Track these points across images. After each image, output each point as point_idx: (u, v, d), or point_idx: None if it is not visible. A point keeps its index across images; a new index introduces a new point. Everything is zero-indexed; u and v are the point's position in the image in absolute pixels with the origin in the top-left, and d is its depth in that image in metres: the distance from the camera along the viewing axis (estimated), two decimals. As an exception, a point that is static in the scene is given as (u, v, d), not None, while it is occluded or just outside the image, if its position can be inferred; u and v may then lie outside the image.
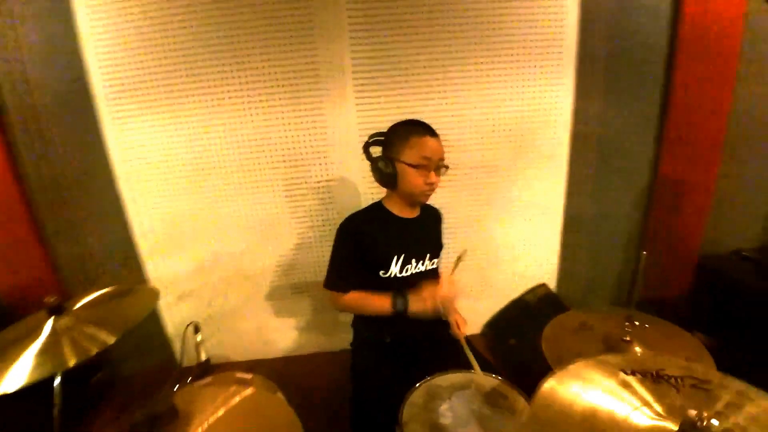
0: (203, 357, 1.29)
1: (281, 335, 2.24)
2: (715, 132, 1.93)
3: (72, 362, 0.94)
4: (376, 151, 1.32)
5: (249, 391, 0.87)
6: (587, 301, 2.28)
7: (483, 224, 2.08)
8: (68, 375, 2.04)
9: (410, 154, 1.20)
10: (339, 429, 1.29)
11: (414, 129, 1.23)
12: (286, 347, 2.27)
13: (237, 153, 1.89)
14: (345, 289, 1.26)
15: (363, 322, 1.36)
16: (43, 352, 0.96)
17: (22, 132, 1.82)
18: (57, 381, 1.00)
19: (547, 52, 1.85)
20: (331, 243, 2.03)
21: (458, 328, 1.30)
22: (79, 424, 1.90)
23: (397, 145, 1.22)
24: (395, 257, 1.24)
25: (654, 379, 0.67)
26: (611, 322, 1.08)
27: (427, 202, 1.39)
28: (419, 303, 1.20)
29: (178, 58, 1.76)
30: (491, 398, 1.15)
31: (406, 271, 1.27)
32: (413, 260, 1.28)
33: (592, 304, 2.28)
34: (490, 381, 1.23)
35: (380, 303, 1.22)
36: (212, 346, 2.20)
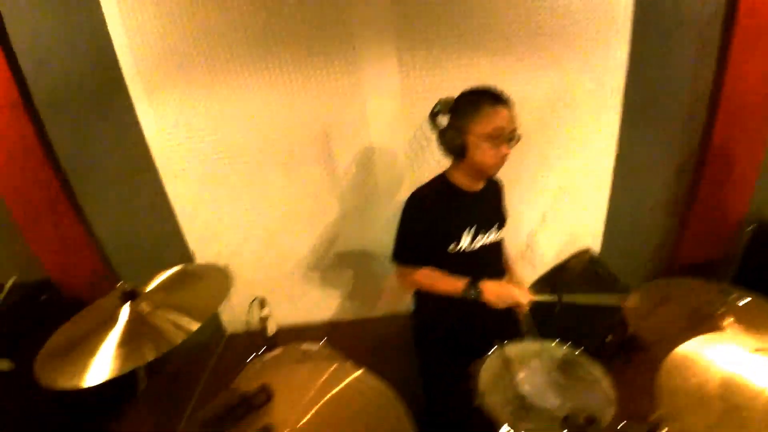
0: (271, 332, 1.30)
1: (324, 302, 2.27)
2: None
3: (155, 353, 0.90)
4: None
5: (357, 373, 0.86)
6: (631, 267, 2.25)
7: (524, 193, 2.04)
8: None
9: (481, 125, 1.12)
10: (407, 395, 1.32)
11: (485, 98, 1.14)
12: (328, 314, 2.31)
13: (275, 126, 1.83)
14: (416, 264, 1.24)
15: (427, 292, 1.34)
16: (125, 342, 0.93)
17: (53, 113, 1.78)
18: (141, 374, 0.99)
19: (602, 17, 1.70)
20: (373, 217, 2.08)
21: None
22: (134, 396, 1.98)
23: (467, 115, 1.14)
24: (465, 231, 1.21)
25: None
26: (695, 295, 1.05)
27: None
28: (492, 296, 1.18)
29: (211, 30, 1.66)
30: (565, 367, 1.16)
31: (476, 243, 1.24)
32: (481, 233, 1.25)
33: (636, 271, 2.25)
34: (560, 350, 1.23)
35: (453, 286, 1.20)
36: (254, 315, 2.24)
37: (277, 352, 1.33)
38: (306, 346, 1.36)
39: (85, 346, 0.96)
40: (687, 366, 0.66)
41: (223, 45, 1.68)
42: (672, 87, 1.85)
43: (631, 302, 1.08)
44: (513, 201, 1.97)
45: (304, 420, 0.77)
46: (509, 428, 0.96)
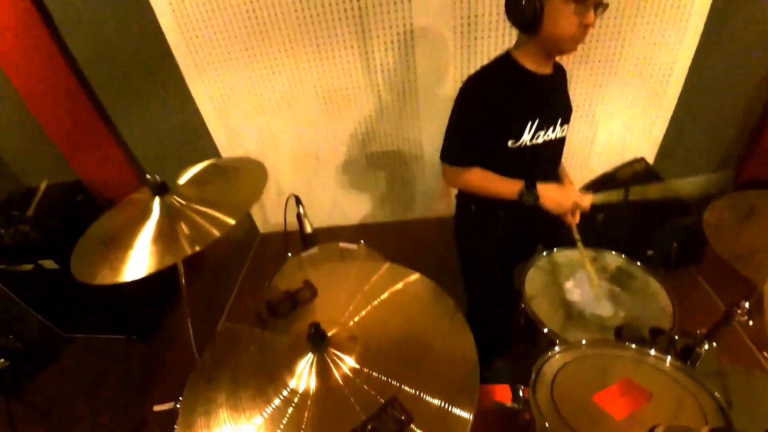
0: (309, 230, 1.26)
1: (355, 205, 2.23)
2: None
3: (192, 249, 0.84)
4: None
5: (413, 276, 0.80)
6: (687, 180, 2.06)
7: (582, 84, 1.77)
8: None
9: None
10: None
11: None
12: (360, 215, 2.28)
13: (299, 6, 1.57)
14: (469, 163, 1.10)
15: (473, 195, 1.24)
16: (161, 237, 0.87)
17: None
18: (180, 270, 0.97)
19: None
20: (412, 109, 1.89)
21: (572, 214, 1.18)
22: (175, 288, 2.10)
23: None
24: (529, 122, 1.04)
25: None
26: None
27: None
28: (551, 202, 1.07)
29: None
30: (619, 278, 1.09)
31: (537, 138, 1.08)
32: (545, 126, 1.08)
33: (692, 184, 2.07)
34: (613, 258, 1.16)
35: (507, 190, 1.08)
36: (290, 213, 2.24)
37: (314, 250, 1.30)
38: (344, 245, 1.33)
39: (120, 241, 0.92)
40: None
41: None
42: None
43: (713, 213, 0.95)
44: (573, 88, 1.76)
45: (356, 318, 0.73)
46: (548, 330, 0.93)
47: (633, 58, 1.68)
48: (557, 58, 1.10)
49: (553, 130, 1.10)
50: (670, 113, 1.84)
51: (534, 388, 0.66)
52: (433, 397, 0.59)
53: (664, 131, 1.90)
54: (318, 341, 0.69)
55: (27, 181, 1.88)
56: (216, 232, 0.89)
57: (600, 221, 1.94)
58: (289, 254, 1.34)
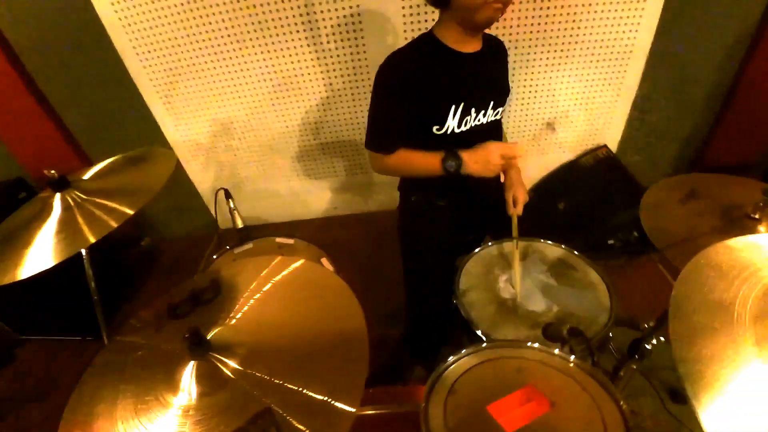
0: (239, 224, 1.20)
1: (315, 197, 2.16)
2: None
3: (92, 239, 0.83)
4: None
5: (298, 263, 0.76)
6: (647, 169, 2.02)
7: (536, 68, 1.70)
8: (117, 240, 2.14)
9: None
10: (388, 291, 1.26)
11: None
12: (321, 209, 2.22)
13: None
14: (390, 149, 1.02)
15: (411, 185, 1.17)
16: (61, 231, 0.87)
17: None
18: (84, 256, 0.91)
19: None
20: (364, 94, 1.79)
21: (513, 205, 1.11)
22: (131, 285, 2.04)
23: None
24: (453, 107, 0.96)
25: None
26: (728, 192, 0.86)
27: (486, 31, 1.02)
28: (475, 164, 0.98)
29: None
30: (557, 269, 1.04)
31: (465, 124, 1.00)
32: (473, 110, 1.00)
33: (651, 173, 2.02)
34: (554, 249, 1.10)
35: (429, 162, 0.99)
36: (248, 209, 2.17)
37: (248, 246, 1.24)
38: (280, 240, 1.27)
39: (19, 240, 0.87)
40: (711, 273, 0.51)
41: None
42: None
43: (649, 197, 0.90)
44: (525, 74, 1.71)
45: (238, 315, 0.68)
46: (482, 332, 0.88)
47: (590, 41, 1.62)
48: (498, 34, 1.02)
49: (484, 114, 1.03)
50: (631, 99, 1.79)
51: (428, 398, 0.61)
52: (316, 392, 0.56)
53: (625, 118, 1.85)
54: (195, 346, 0.64)
55: None
56: (113, 223, 0.86)
57: (561, 209, 1.90)
58: (222, 251, 1.27)
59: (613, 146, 1.94)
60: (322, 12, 1.53)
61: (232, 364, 0.62)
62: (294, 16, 1.54)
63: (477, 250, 1.10)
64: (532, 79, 1.73)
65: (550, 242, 1.12)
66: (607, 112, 1.84)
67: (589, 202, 1.83)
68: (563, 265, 1.05)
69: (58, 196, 0.90)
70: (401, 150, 1.03)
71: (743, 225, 0.79)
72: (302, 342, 0.65)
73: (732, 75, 1.72)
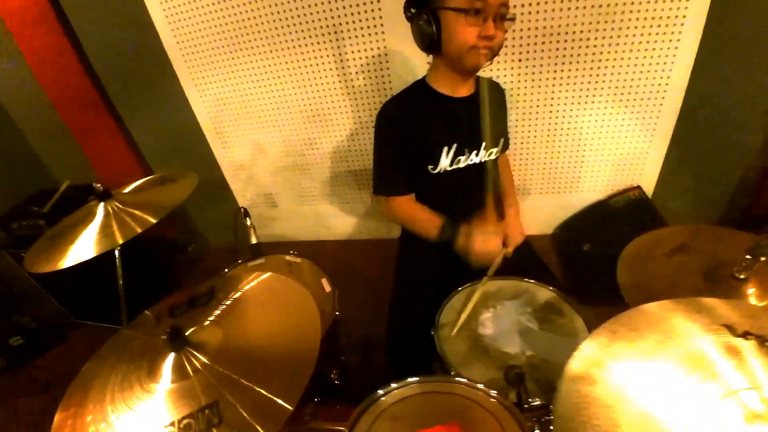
0: (253, 240, 1.33)
1: (340, 220, 2.28)
2: None
3: (120, 240, 0.99)
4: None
5: (266, 275, 0.86)
6: (689, 216, 1.88)
7: (560, 106, 1.69)
8: (167, 245, 2.41)
9: None
10: (377, 317, 1.30)
11: None
12: (345, 232, 2.33)
13: (281, 26, 1.67)
14: (398, 193, 1.10)
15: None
16: (100, 232, 1.05)
17: (82, 24, 1.80)
18: (117, 255, 1.08)
19: None
20: None
21: (504, 245, 1.13)
22: (175, 286, 2.26)
23: None
24: (445, 148, 1.02)
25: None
26: (728, 249, 0.80)
27: (485, 75, 1.07)
28: (464, 251, 1.05)
29: None
30: (542, 313, 1.02)
31: (458, 162, 1.05)
32: (467, 150, 1.05)
33: (694, 221, 1.87)
34: (546, 293, 1.09)
35: (429, 225, 1.08)
36: (279, 227, 2.35)
37: (260, 261, 1.36)
38: (289, 258, 1.37)
39: (66, 237, 1.06)
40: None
41: None
42: None
43: (633, 247, 0.87)
44: (549, 113, 1.71)
45: (211, 318, 0.79)
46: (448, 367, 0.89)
47: (617, 80, 1.59)
48: (493, 77, 1.07)
49: (477, 154, 1.07)
50: (667, 140, 1.70)
51: (354, 422, 0.65)
52: (264, 389, 0.65)
53: (661, 160, 1.76)
54: (174, 341, 0.74)
55: (59, 180, 2.13)
56: (138, 229, 1.03)
57: (586, 251, 1.83)
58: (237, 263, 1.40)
59: (648, 188, 1.84)
60: (353, 52, 1.68)
61: (202, 358, 0.72)
62: (328, 55, 1.70)
63: (467, 285, 1.12)
64: (556, 117, 1.72)
65: (545, 286, 1.10)
66: (641, 153, 1.77)
67: (615, 246, 1.74)
68: (550, 309, 1.03)
69: (102, 205, 1.09)
70: (408, 200, 1.10)
71: (728, 286, 0.74)
72: (261, 345, 0.74)
73: None
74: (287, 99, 1.86)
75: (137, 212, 1.05)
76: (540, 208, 2.00)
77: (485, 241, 1.02)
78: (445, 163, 1.03)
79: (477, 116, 1.06)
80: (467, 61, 0.94)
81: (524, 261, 1.16)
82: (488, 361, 0.92)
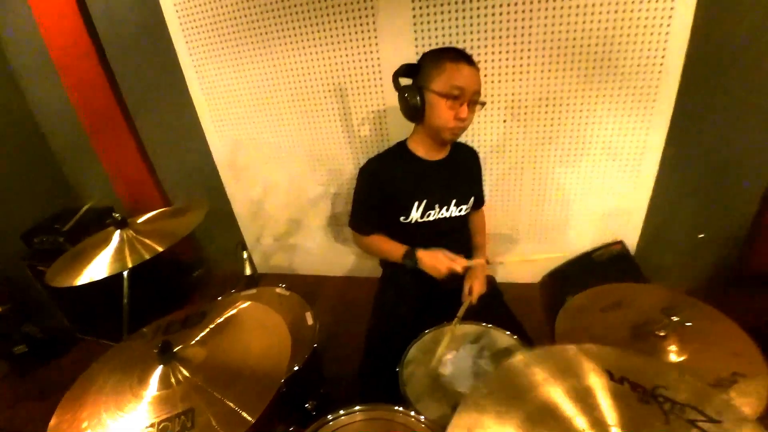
0: (248, 271, 1.46)
1: (340, 257, 2.40)
2: None
3: (130, 264, 1.14)
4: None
5: (247, 304, 0.98)
6: (673, 274, 1.94)
7: (547, 165, 1.83)
8: (177, 268, 2.56)
9: (441, 81, 1.05)
10: (358, 351, 1.39)
11: (448, 54, 1.06)
12: (344, 268, 2.44)
13: (294, 82, 1.89)
14: (366, 232, 1.26)
15: (387, 260, 1.36)
16: (113, 255, 1.19)
17: (116, 57, 2.06)
18: (125, 277, 1.22)
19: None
20: None
21: (469, 293, 1.23)
22: (179, 307, 2.38)
23: (428, 72, 1.08)
24: (416, 203, 1.17)
25: (644, 397, 0.55)
26: (654, 307, 0.90)
27: (462, 141, 1.24)
28: (426, 266, 1.16)
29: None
30: (499, 358, 1.11)
31: (428, 216, 1.19)
32: (437, 206, 1.19)
33: (678, 279, 1.94)
34: (506, 339, 1.17)
35: (394, 254, 1.21)
36: (281, 259, 2.48)
37: (252, 291, 1.48)
38: (279, 290, 1.49)
39: (84, 257, 1.21)
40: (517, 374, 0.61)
41: (255, 6, 1.76)
42: (756, 46, 1.45)
43: (575, 302, 0.97)
44: (537, 173, 1.86)
45: (197, 338, 0.90)
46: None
47: (598, 142, 1.73)
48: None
49: (447, 209, 1.21)
50: (647, 199, 1.81)
51: None
52: (232, 402, 0.75)
53: (643, 217, 1.85)
54: (163, 355, 0.87)
55: (83, 200, 2.33)
56: (146, 255, 1.16)
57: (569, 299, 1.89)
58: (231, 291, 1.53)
59: (632, 243, 1.93)
60: (355, 106, 1.88)
61: (185, 372, 0.83)
62: (334, 109, 1.90)
63: (434, 328, 1.21)
64: (543, 173, 1.85)
65: (505, 332, 1.19)
66: (624, 210, 1.87)
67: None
68: (507, 354, 1.11)
69: (117, 232, 1.24)
70: (375, 236, 1.24)
71: (651, 342, 0.83)
72: (236, 363, 0.85)
73: (763, 187, 1.68)
74: (296, 143, 2.05)
75: (147, 240, 1.20)
76: (529, 258, 2.09)
77: (443, 253, 1.14)
78: (415, 215, 1.18)
79: (448, 177, 1.22)
80: (443, 135, 1.13)
81: (492, 308, 1.26)
82: (443, 399, 1.00)
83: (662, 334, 0.81)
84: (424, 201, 1.17)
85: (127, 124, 2.18)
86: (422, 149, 1.19)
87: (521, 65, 1.62)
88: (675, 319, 0.78)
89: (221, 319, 0.96)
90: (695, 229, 1.86)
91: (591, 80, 1.61)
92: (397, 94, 1.15)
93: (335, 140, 1.99)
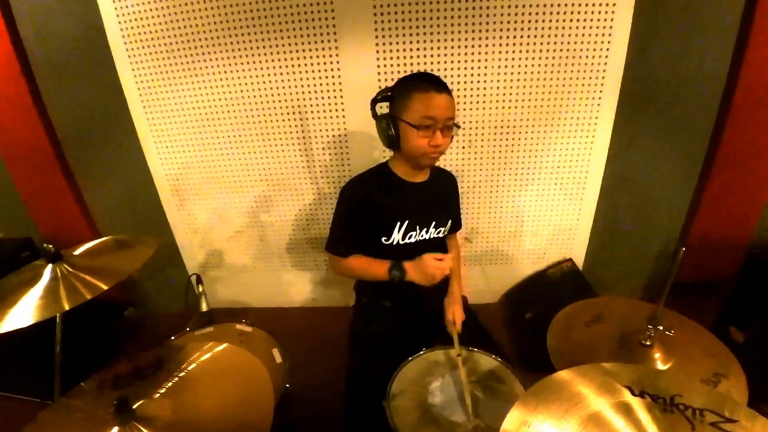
0: (204, 307, 1.32)
1: (297, 288, 2.27)
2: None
3: (67, 306, 0.96)
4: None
5: (222, 346, 0.87)
6: (618, 285, 2.11)
7: (502, 188, 1.93)
8: (103, 309, 2.24)
9: (412, 112, 1.06)
10: (331, 389, 1.29)
11: (417, 84, 1.07)
12: (302, 299, 2.31)
13: (249, 101, 1.81)
14: (345, 254, 1.20)
15: (363, 285, 1.31)
16: (44, 296, 1.00)
17: (47, 80, 1.84)
18: (58, 321, 1.03)
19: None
20: None
21: (453, 323, 1.22)
22: (109, 353, 2.08)
23: (400, 103, 1.08)
24: (398, 224, 1.15)
25: (666, 406, 0.56)
26: (635, 317, 0.94)
27: (440, 166, 1.26)
28: (416, 274, 1.13)
29: (194, 10, 1.65)
30: (486, 381, 1.09)
31: (410, 237, 1.18)
32: (417, 227, 1.18)
33: (623, 289, 2.10)
34: (489, 361, 1.16)
35: (378, 270, 1.16)
36: (232, 293, 2.29)
37: (209, 329, 1.33)
38: (240, 327, 1.36)
39: (7, 299, 1.00)
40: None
41: (206, 23, 1.67)
42: (678, 80, 1.68)
43: (560, 318, 0.99)
44: (493, 195, 1.93)
45: (162, 390, 0.77)
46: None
47: (547, 166, 1.86)
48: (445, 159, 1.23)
49: (427, 231, 1.21)
50: (591, 218, 1.96)
51: None
52: None
53: (588, 234, 2.00)
54: (120, 414, 0.72)
55: None
56: (87, 295, 0.99)
57: (527, 319, 1.96)
58: (184, 331, 1.36)
59: (579, 260, 2.06)
60: (315, 129, 1.83)
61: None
62: (291, 130, 1.84)
63: (417, 354, 1.17)
64: (497, 197, 1.94)
65: (486, 354, 1.18)
66: (571, 229, 2.00)
67: (552, 314, 1.89)
68: (492, 377, 1.10)
69: (49, 266, 1.04)
70: (355, 256, 1.19)
71: (637, 351, 0.87)
72: (211, 418, 0.73)
73: (689, 197, 1.90)
74: (251, 167, 1.94)
75: (88, 277, 1.02)
76: (488, 278, 2.14)
77: (429, 257, 1.11)
78: (397, 236, 1.16)
79: (428, 200, 1.21)
80: (420, 161, 1.14)
81: (469, 330, 1.25)
82: (437, 429, 0.95)
83: (648, 343, 0.85)
84: (406, 222, 1.16)
85: (53, 149, 1.93)
86: (403, 171, 1.18)
87: (479, 95, 1.71)
88: (660, 328, 0.82)
89: (189, 366, 0.83)
90: (633, 245, 2.04)
91: (540, 111, 1.74)
92: (368, 115, 1.14)
93: (293, 163, 1.92)
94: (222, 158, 1.94)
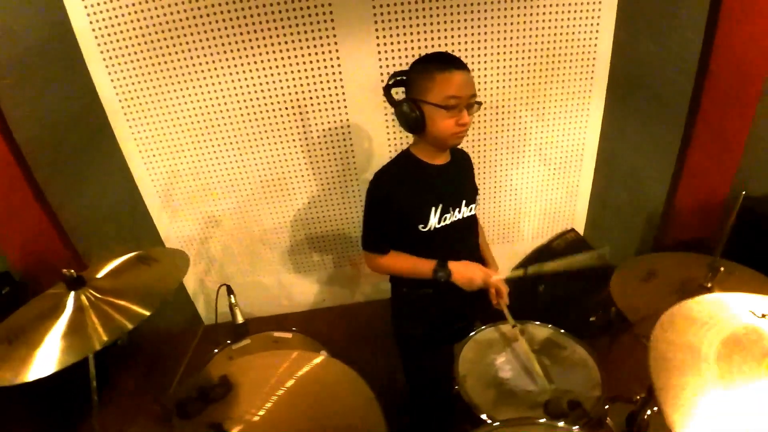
0: (240, 320, 1.23)
1: (302, 290, 2.20)
2: (759, 67, 1.76)
3: (105, 340, 0.84)
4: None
5: (319, 359, 0.80)
6: (619, 248, 2.22)
7: (501, 169, 1.97)
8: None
9: (436, 93, 1.04)
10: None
11: (437, 64, 1.05)
12: (308, 301, 2.24)
13: (245, 99, 1.71)
14: (384, 250, 1.17)
15: (401, 277, 1.28)
16: (71, 332, 0.85)
17: (9, 88, 1.62)
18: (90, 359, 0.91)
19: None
20: (352, 193, 2.00)
21: (499, 296, 1.23)
22: (108, 384, 1.91)
23: (421, 85, 1.06)
24: (433, 209, 1.13)
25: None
26: (682, 269, 0.99)
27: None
28: (461, 278, 1.13)
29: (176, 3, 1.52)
30: (547, 349, 1.11)
31: (445, 220, 1.17)
32: (451, 208, 1.18)
33: (623, 251, 2.22)
34: (544, 330, 1.18)
35: (422, 270, 1.14)
36: (247, 304, 2.17)
37: (246, 341, 1.25)
38: (277, 334, 1.29)
39: (28, 338, 0.87)
40: (679, 328, 0.60)
41: (196, 15, 1.55)
42: (660, 61, 1.77)
43: (616, 279, 1.03)
44: (493, 176, 1.96)
45: (261, 412, 0.70)
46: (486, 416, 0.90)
47: (542, 144, 1.92)
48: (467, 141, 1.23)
49: (459, 211, 1.21)
50: (589, 190, 2.05)
51: None
52: None
53: (586, 206, 2.09)
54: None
55: None
56: (129, 325, 0.88)
57: (541, 292, 2.01)
58: (222, 347, 1.27)
59: (581, 229, 2.15)
60: (315, 123, 1.77)
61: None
62: (291, 128, 1.76)
63: (471, 334, 1.17)
64: (497, 177, 1.98)
65: (537, 323, 1.20)
66: (571, 202, 2.09)
67: (565, 284, 1.96)
68: (552, 344, 1.12)
69: (72, 294, 0.92)
70: (394, 253, 1.16)
71: (699, 294, 0.91)
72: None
73: (671, 171, 2.02)
74: (246, 167, 1.84)
75: (121, 302, 0.91)
76: (496, 255, 2.18)
77: (476, 275, 1.13)
78: (434, 221, 1.14)
79: (455, 179, 1.21)
80: (448, 142, 1.12)
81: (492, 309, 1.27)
82: (517, 402, 0.95)
83: (709, 285, 0.90)
84: (440, 206, 1.14)
85: (18, 165, 1.70)
86: (428, 156, 1.16)
87: (478, 76, 1.72)
88: (722, 269, 0.87)
89: (287, 382, 0.76)
90: (627, 211, 2.16)
91: (538, 90, 1.80)
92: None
93: (292, 162, 1.84)
94: (215, 162, 1.82)
